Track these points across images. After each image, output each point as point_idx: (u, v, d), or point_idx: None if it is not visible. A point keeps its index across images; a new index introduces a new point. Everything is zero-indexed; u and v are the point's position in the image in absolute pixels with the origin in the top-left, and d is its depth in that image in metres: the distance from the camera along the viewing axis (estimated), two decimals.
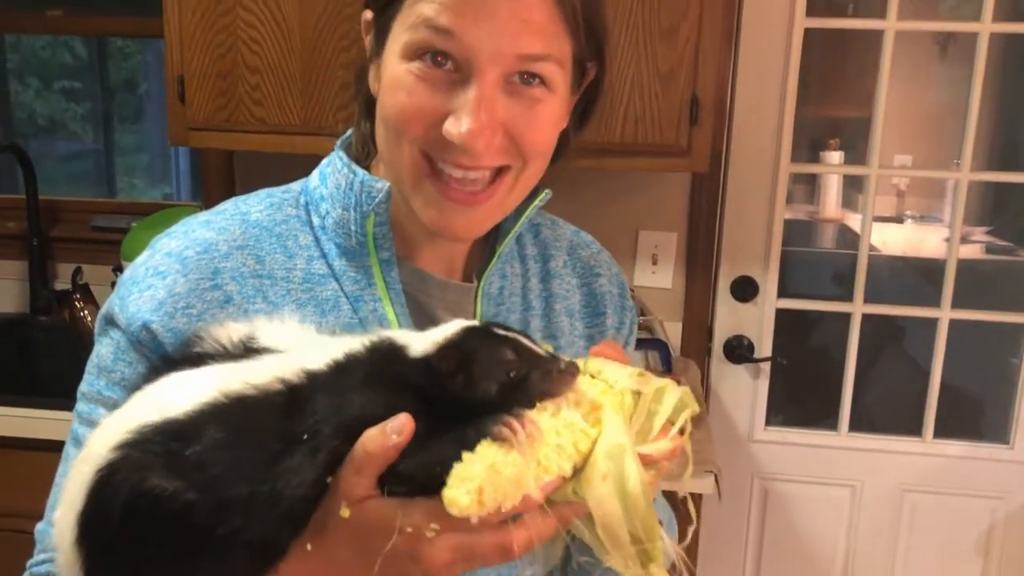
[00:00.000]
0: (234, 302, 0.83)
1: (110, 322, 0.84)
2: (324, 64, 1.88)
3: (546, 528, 0.65)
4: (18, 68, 4.78)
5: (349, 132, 0.94)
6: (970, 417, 2.74)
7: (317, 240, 0.89)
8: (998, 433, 2.42)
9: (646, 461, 0.65)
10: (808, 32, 2.24)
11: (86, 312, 2.28)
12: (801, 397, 2.70)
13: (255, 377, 0.65)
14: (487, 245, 0.95)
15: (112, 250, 2.22)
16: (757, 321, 2.37)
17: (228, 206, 0.90)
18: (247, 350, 0.71)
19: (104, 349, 0.84)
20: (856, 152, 3.39)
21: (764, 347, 2.38)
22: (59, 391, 1.96)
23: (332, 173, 0.90)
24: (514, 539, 0.63)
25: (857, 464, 2.42)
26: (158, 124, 5.08)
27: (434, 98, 0.78)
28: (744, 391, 2.41)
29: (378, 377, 0.66)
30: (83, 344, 2.25)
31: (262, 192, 0.93)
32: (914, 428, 2.42)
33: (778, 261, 2.35)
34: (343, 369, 0.67)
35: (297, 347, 0.71)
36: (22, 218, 2.43)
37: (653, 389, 0.68)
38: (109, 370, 0.83)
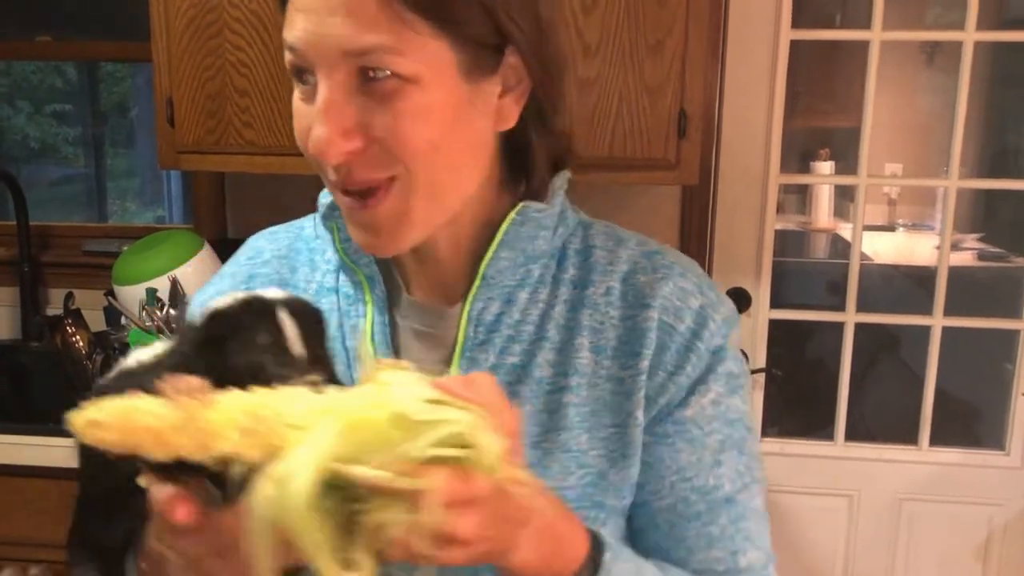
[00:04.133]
0: None
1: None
2: None
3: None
4: (9, 92, 4.79)
5: None
6: (966, 424, 2.74)
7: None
8: (994, 440, 2.42)
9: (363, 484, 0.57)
10: (794, 44, 2.25)
11: (78, 337, 2.27)
12: (796, 407, 2.70)
13: (153, 350, 0.72)
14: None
15: (104, 274, 2.21)
16: (750, 332, 2.37)
17: (300, 219, 0.97)
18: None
19: None
20: (846, 162, 3.41)
21: (758, 358, 2.38)
22: (51, 417, 1.95)
23: None
24: (164, 500, 0.62)
25: (854, 473, 2.42)
26: (149, 148, 5.08)
27: (308, 117, 0.75)
28: None
29: (182, 347, 0.69)
30: (75, 369, 2.24)
31: None
32: (910, 436, 2.41)
33: (770, 272, 2.35)
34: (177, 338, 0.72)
35: None
36: (13, 244, 2.42)
37: (431, 419, 0.58)
38: None
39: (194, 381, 0.61)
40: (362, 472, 0.57)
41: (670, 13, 1.82)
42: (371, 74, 0.72)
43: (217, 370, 0.64)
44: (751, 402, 0.91)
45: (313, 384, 0.63)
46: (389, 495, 0.57)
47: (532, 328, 0.85)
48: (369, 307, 0.87)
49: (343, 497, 0.58)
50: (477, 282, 0.84)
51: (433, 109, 0.74)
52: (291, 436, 0.58)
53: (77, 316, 2.29)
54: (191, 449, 0.59)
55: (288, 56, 0.75)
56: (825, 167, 3.68)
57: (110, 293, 2.18)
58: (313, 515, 0.56)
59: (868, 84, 2.24)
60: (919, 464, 2.40)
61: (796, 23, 2.24)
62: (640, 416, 0.83)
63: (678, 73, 1.84)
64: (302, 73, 0.75)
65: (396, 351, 0.86)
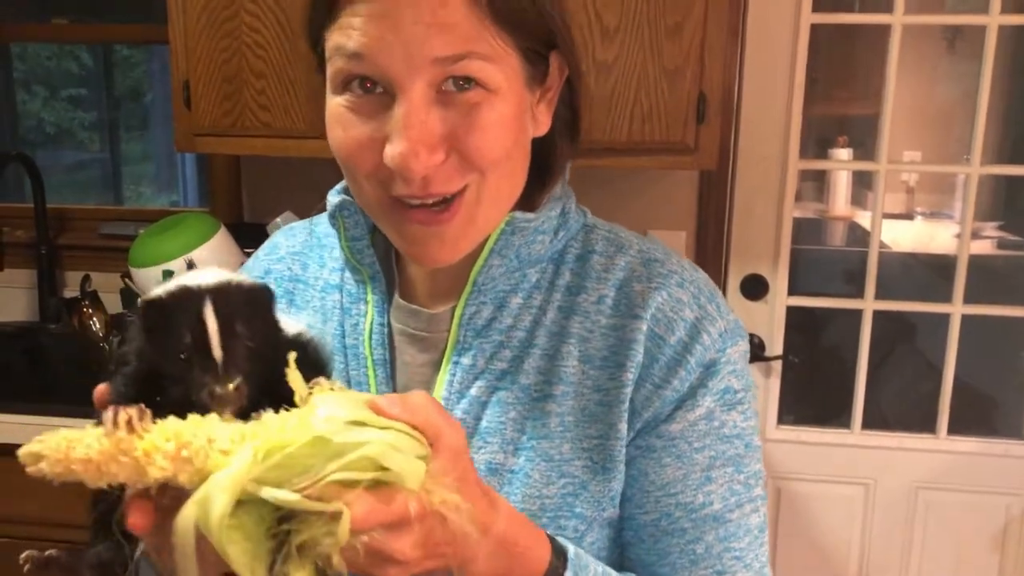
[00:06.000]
0: None
1: None
2: None
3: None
4: (24, 77, 4.80)
5: None
6: (984, 413, 2.72)
7: None
8: (1012, 429, 2.40)
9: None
10: (815, 28, 2.23)
11: (95, 319, 2.28)
12: (813, 395, 2.69)
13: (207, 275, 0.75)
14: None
15: (120, 257, 2.21)
16: (768, 319, 2.36)
17: (318, 216, 0.97)
18: None
19: None
20: (864, 150, 3.38)
21: (775, 345, 2.37)
22: (68, 399, 1.96)
23: None
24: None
25: (870, 462, 2.40)
26: (164, 133, 5.10)
27: (368, 126, 0.74)
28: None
29: (133, 338, 0.71)
30: (92, 351, 2.24)
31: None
32: (928, 425, 2.40)
33: (788, 259, 2.34)
34: None
35: None
36: (30, 227, 2.43)
37: (349, 441, 0.59)
38: None
39: (132, 411, 0.63)
40: (272, 493, 0.58)
41: None
42: (459, 84, 0.72)
43: (156, 368, 0.67)
44: (763, 410, 0.87)
45: (237, 390, 0.64)
46: (312, 515, 0.59)
47: (523, 334, 0.84)
48: (370, 307, 0.87)
49: (278, 517, 0.60)
50: (468, 287, 0.83)
51: (509, 119, 0.76)
52: (220, 461, 0.60)
53: (94, 298, 2.30)
54: (127, 478, 0.62)
55: (341, 64, 0.73)
56: (843, 154, 3.65)
57: (127, 275, 2.19)
58: (232, 533, 0.59)
59: (889, 69, 2.22)
60: (936, 453, 2.39)
61: (816, 7, 2.21)
62: (622, 428, 0.81)
63: (697, 56, 1.83)
64: (362, 81, 0.73)
65: (391, 352, 0.86)
